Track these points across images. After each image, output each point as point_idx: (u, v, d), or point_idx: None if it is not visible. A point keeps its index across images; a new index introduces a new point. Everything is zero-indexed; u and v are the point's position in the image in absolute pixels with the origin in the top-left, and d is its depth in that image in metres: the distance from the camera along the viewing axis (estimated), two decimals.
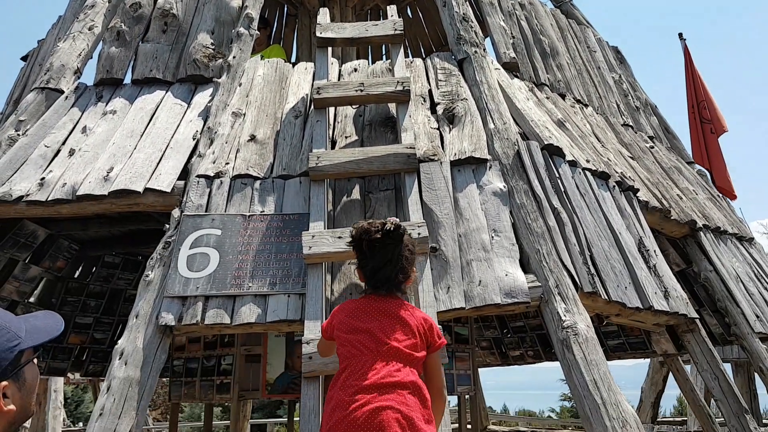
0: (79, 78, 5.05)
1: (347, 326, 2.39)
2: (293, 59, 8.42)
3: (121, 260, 7.56)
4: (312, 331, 3.12)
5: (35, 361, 1.41)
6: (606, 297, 3.63)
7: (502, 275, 3.51)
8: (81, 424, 18.01)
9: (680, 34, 8.46)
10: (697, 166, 7.13)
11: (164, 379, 6.64)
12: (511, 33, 5.50)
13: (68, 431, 13.71)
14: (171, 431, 7.18)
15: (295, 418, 7.94)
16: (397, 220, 2.47)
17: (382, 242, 2.41)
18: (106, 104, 4.78)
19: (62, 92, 4.86)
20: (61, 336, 1.48)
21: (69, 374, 7.84)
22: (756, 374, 6.76)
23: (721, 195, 6.90)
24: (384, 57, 8.39)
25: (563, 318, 3.33)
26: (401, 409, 2.16)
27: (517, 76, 5.15)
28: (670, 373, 9.82)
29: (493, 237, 3.71)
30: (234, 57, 4.78)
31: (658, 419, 13.02)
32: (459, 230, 3.75)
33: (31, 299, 6.90)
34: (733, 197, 7.18)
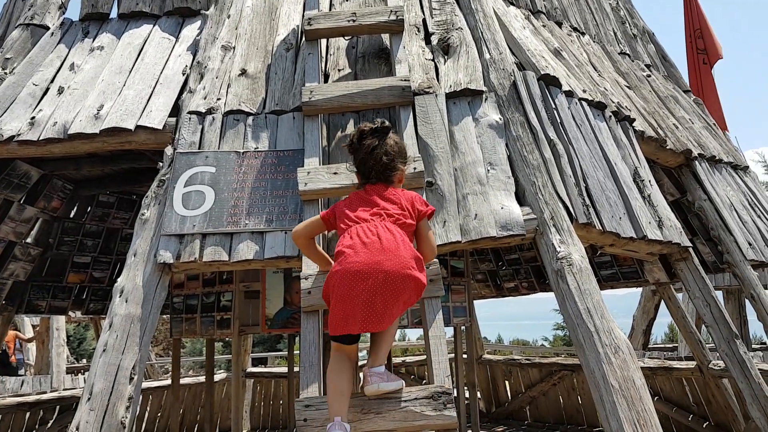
0: (64, 13, 4.92)
1: (346, 215, 2.84)
2: None
3: (115, 199, 7.56)
4: (310, 266, 3.15)
5: None
6: (600, 228, 3.65)
7: (498, 208, 3.52)
8: (84, 360, 18.43)
9: None
10: (694, 95, 7.07)
11: (165, 316, 6.73)
12: None
13: (72, 367, 14.02)
14: (174, 366, 7.35)
15: (295, 351, 8.11)
16: (386, 121, 3.03)
17: (369, 134, 2.97)
18: (93, 40, 4.66)
19: (47, 28, 4.74)
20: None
21: (70, 313, 7.94)
22: (746, 300, 6.90)
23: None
24: None
25: (558, 249, 3.36)
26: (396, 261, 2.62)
27: (513, 4, 5.02)
28: (662, 302, 10.02)
29: (488, 170, 3.70)
30: None
31: (649, 346, 13.39)
32: (455, 164, 3.73)
33: (28, 240, 6.93)
34: (724, 129, 7.17)
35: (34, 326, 13.16)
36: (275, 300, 6.21)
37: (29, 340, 12.72)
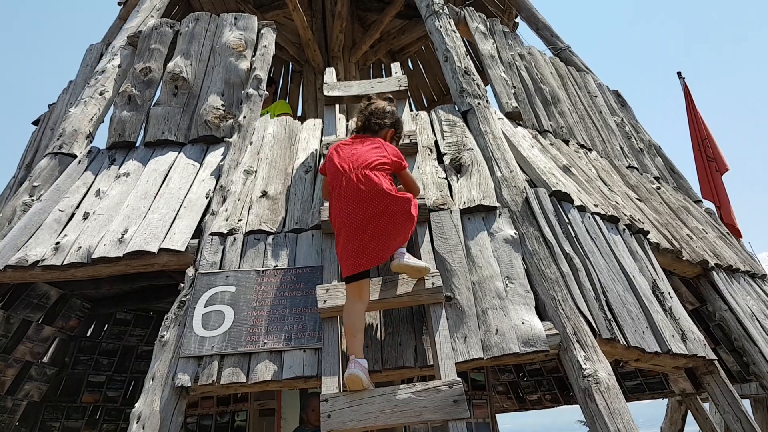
0: (91, 142, 5.12)
1: (330, 159, 3.52)
2: (299, 113, 8.58)
3: (132, 317, 7.56)
4: (329, 387, 3.10)
5: None
6: (625, 343, 3.60)
7: (519, 323, 3.50)
8: None
9: (679, 73, 8.58)
10: (705, 205, 7.15)
11: None
12: (512, 83, 5.60)
13: None
14: None
15: None
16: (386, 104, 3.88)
17: (375, 100, 3.89)
18: (119, 167, 4.85)
19: (75, 157, 4.93)
20: None
21: None
22: None
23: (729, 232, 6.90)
24: None
25: (584, 366, 3.30)
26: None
27: (520, 125, 5.22)
28: (689, 412, 9.64)
29: (507, 284, 3.72)
30: (244, 117, 4.88)
31: None
32: (472, 278, 3.75)
33: (45, 359, 6.89)
34: (739, 236, 7.17)
35: None
36: (291, 419, 6.05)
37: None
